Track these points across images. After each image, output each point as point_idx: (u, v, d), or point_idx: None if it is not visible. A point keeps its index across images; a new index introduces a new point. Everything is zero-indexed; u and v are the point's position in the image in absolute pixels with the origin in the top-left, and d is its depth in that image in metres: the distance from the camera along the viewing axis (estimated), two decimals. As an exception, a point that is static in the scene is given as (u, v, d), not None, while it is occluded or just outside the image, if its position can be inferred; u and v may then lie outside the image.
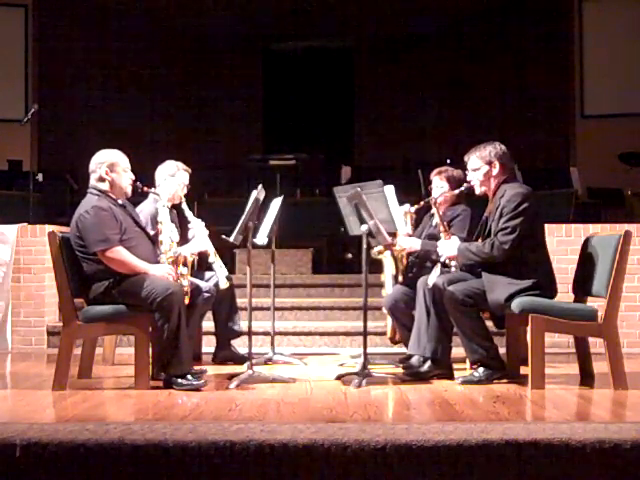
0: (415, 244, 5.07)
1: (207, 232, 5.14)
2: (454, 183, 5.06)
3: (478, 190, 4.60)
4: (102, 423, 3.20)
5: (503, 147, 4.56)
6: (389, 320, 5.24)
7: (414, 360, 4.76)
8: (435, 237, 5.13)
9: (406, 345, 5.02)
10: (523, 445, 2.90)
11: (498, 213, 4.41)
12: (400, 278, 5.19)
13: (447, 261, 4.64)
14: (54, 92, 10.99)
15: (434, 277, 4.65)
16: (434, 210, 4.90)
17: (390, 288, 5.19)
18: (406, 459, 2.87)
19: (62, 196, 8.80)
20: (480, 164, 4.53)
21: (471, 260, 4.50)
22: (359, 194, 4.54)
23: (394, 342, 5.30)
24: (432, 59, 11.18)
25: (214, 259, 5.09)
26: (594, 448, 2.89)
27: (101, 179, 4.50)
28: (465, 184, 4.68)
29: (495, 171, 4.51)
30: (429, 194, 5.23)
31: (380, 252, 4.98)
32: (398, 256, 5.19)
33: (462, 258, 4.53)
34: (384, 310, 5.19)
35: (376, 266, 5.34)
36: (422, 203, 5.19)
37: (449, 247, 4.59)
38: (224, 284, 5.02)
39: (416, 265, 5.19)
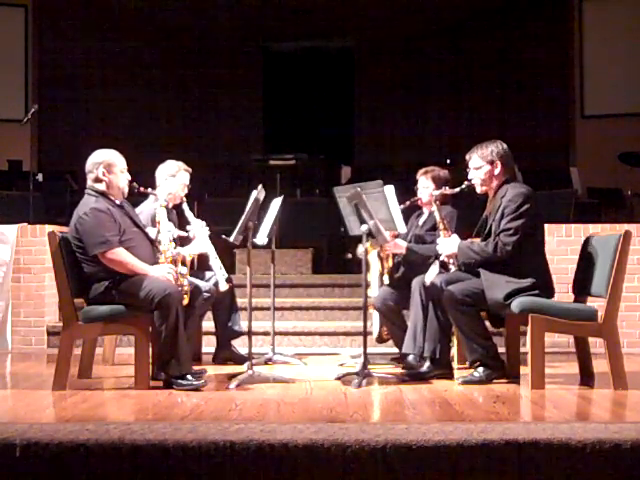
0: (400, 245, 5.08)
1: (208, 232, 5.15)
2: (440, 183, 5.06)
3: (479, 189, 4.60)
4: (102, 423, 3.20)
5: (505, 146, 4.55)
6: (375, 320, 5.23)
7: (411, 359, 4.78)
8: (422, 238, 5.15)
9: (396, 343, 5.06)
10: (523, 445, 2.90)
11: (500, 213, 4.41)
12: (386, 278, 5.20)
13: (446, 259, 4.65)
14: (54, 92, 10.99)
15: (431, 276, 4.65)
16: (434, 207, 4.84)
17: (376, 288, 5.19)
18: (406, 459, 2.87)
19: (62, 196, 8.80)
20: (482, 163, 4.52)
21: (472, 259, 4.49)
22: (359, 194, 4.54)
23: (380, 341, 5.30)
24: (432, 59, 11.18)
25: (214, 261, 5.09)
26: (594, 448, 2.89)
27: (98, 180, 4.49)
28: (466, 182, 4.66)
29: (497, 170, 4.51)
30: (416, 194, 5.25)
31: (367, 252, 4.97)
32: (384, 256, 5.21)
33: (462, 257, 4.53)
34: (370, 310, 5.14)
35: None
36: (408, 203, 5.18)
37: (449, 245, 4.59)
38: (223, 287, 5.01)
39: (402, 265, 5.21)
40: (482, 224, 4.63)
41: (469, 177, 4.62)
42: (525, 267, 4.35)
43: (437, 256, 4.74)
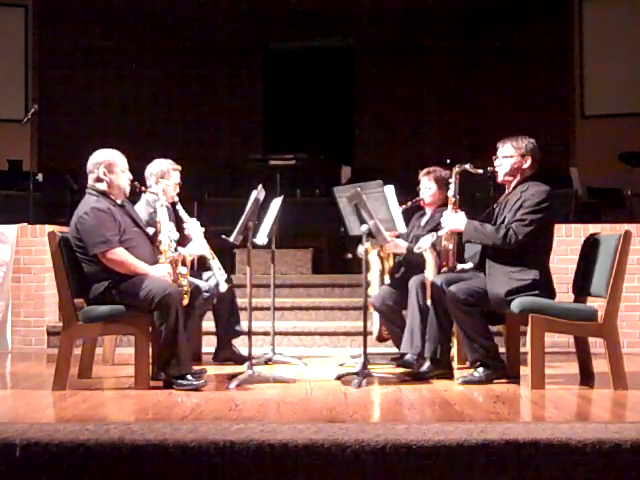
0: (401, 245, 5.08)
1: (203, 230, 5.13)
2: (442, 183, 5.07)
3: (501, 178, 4.58)
4: (102, 423, 3.20)
5: (537, 145, 4.57)
6: (375, 319, 5.24)
7: (408, 357, 4.78)
8: None
9: (395, 343, 5.06)
10: (523, 445, 2.90)
11: (518, 204, 4.40)
12: (387, 278, 5.21)
13: (444, 235, 4.62)
14: (54, 92, 10.99)
15: (425, 243, 4.66)
16: (452, 179, 4.72)
17: (377, 288, 5.20)
18: (406, 459, 2.87)
19: (62, 196, 8.79)
20: (513, 153, 4.53)
21: (478, 240, 4.48)
22: (359, 194, 4.54)
23: (380, 340, 5.31)
24: (432, 59, 11.17)
25: (213, 262, 5.07)
26: (594, 448, 2.89)
27: (99, 179, 4.50)
28: (489, 168, 4.64)
29: (525, 165, 4.53)
30: (417, 194, 5.25)
31: (367, 252, 4.97)
32: (384, 256, 5.21)
33: (469, 235, 4.50)
34: (371, 309, 5.15)
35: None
36: (409, 204, 5.19)
37: (456, 221, 4.55)
38: (223, 287, 4.99)
39: (403, 265, 5.21)
40: (489, 213, 4.61)
41: (495, 164, 4.60)
42: (529, 264, 4.35)
43: (436, 229, 4.74)
